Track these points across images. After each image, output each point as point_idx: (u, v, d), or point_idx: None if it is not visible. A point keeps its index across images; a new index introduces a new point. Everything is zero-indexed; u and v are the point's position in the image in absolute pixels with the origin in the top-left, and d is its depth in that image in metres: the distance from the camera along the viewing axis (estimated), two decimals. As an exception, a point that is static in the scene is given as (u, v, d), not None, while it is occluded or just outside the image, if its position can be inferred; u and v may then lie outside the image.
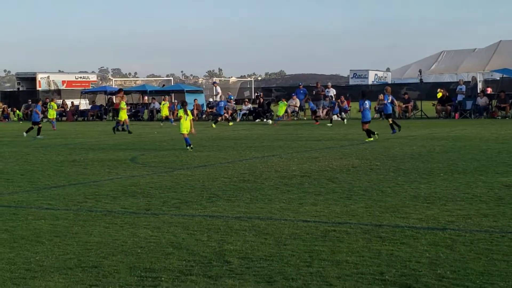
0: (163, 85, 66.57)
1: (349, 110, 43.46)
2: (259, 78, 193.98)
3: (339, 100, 41.00)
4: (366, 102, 25.47)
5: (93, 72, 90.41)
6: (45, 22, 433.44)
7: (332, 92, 45.63)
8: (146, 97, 52.19)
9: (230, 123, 38.56)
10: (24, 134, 31.47)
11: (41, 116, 32.98)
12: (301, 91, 45.48)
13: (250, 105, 46.06)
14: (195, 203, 12.06)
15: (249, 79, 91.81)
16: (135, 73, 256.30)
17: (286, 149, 22.47)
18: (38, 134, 30.76)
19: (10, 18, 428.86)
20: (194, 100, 45.71)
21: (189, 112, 23.50)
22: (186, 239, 9.16)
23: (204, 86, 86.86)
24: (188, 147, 22.39)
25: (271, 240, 8.97)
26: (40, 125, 31.35)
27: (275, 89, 78.93)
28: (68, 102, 52.86)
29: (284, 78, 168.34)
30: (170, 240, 9.12)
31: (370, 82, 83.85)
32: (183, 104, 24.08)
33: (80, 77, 70.78)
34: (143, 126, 38.89)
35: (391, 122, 27.40)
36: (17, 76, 71.57)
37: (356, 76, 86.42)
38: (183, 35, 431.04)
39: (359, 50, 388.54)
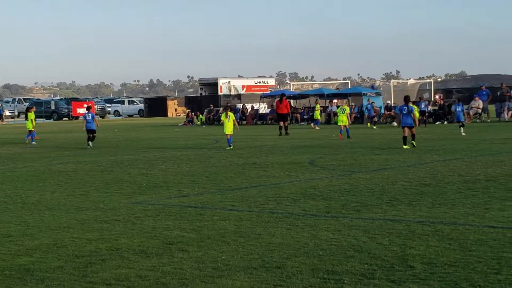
0: (337, 88, 66.68)
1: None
2: (439, 79, 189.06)
3: None
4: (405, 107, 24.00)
5: (271, 77, 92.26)
6: (224, 30, 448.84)
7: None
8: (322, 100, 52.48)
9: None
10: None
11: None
12: (484, 92, 43.91)
13: (429, 107, 44.98)
14: (375, 206, 11.98)
15: (428, 80, 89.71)
16: (312, 76, 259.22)
17: (468, 152, 21.73)
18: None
19: (193, 27, 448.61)
20: (372, 103, 45.31)
21: (230, 115, 26.63)
22: (367, 242, 9.12)
23: (381, 89, 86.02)
24: (228, 147, 25.77)
25: (455, 246, 8.72)
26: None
27: (456, 90, 76.82)
28: (248, 106, 54.27)
29: (465, 79, 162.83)
30: (351, 243, 9.11)
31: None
32: (225, 109, 28.89)
33: (259, 82, 72.60)
34: (321, 129, 39.12)
35: None
36: (200, 82, 74.66)
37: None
38: (358, 37, 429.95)
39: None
